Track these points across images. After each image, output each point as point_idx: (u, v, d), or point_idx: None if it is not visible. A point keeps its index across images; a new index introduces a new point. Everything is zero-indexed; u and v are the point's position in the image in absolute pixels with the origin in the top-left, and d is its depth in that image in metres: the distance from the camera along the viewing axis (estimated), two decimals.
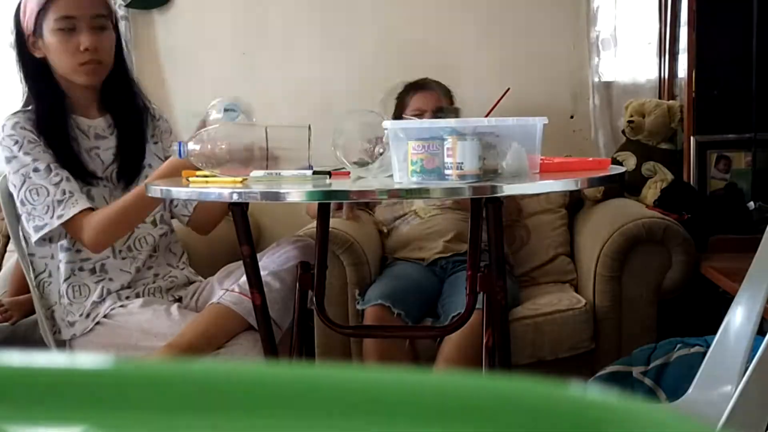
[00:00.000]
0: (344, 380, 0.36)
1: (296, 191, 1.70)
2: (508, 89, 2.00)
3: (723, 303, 1.82)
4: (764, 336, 1.52)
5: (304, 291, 2.12)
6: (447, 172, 1.61)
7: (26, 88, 2.17)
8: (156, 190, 1.81)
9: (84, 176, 2.12)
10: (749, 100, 3.13)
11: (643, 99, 3.37)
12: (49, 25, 2.08)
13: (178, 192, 1.80)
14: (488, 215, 1.81)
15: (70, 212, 2.00)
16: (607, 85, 3.54)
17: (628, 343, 2.70)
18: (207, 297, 2.23)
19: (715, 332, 1.77)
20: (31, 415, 0.36)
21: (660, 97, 3.46)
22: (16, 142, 2.05)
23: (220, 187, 1.78)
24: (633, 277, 2.78)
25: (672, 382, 2.11)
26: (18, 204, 2.06)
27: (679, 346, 2.21)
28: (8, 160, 2.06)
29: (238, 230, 1.89)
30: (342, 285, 2.84)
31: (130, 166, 2.18)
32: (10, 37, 2.20)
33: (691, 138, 3.23)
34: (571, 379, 0.35)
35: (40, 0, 2.08)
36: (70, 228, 2.04)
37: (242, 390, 0.36)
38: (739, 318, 1.69)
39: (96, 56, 2.11)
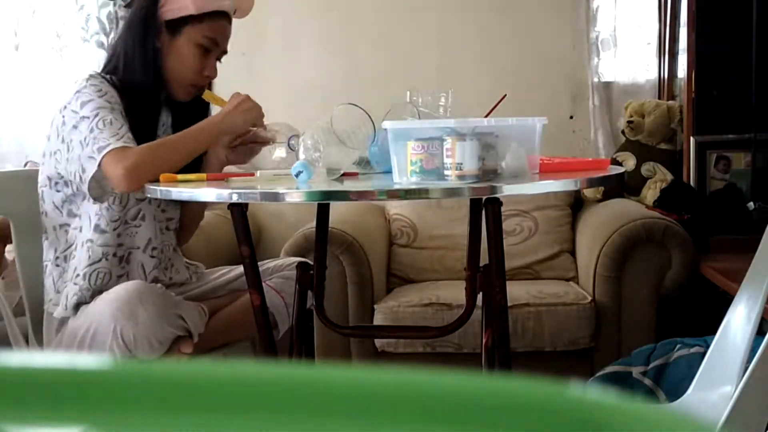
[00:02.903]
0: (344, 381, 0.36)
1: (295, 192, 1.70)
2: (505, 95, 2.00)
3: (723, 303, 1.81)
4: (764, 336, 1.52)
5: (304, 291, 2.12)
6: (446, 172, 1.61)
7: (118, 55, 2.09)
8: (155, 191, 1.81)
9: None
10: (749, 100, 3.13)
11: (642, 99, 3.37)
12: (193, 35, 2.05)
13: (179, 193, 1.80)
14: (487, 215, 1.81)
15: (129, 143, 1.92)
16: (607, 86, 3.54)
17: (627, 343, 2.71)
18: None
19: (714, 332, 1.77)
20: (30, 415, 0.36)
21: (659, 98, 3.46)
22: (99, 90, 1.99)
23: (221, 188, 1.78)
24: (633, 278, 2.78)
25: (672, 382, 2.11)
26: (87, 132, 1.93)
27: (678, 346, 2.21)
28: (84, 103, 1.97)
29: (238, 231, 1.89)
30: (342, 285, 2.85)
31: None
32: (134, 5, 2.12)
33: (691, 138, 3.23)
34: (571, 378, 0.35)
35: (200, 6, 2.04)
36: (114, 157, 1.91)
37: (242, 390, 0.36)
38: (738, 318, 1.69)
39: (206, 83, 2.12)
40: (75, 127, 1.96)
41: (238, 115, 2.02)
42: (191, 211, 2.24)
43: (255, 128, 2.07)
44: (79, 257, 2.08)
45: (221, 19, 2.09)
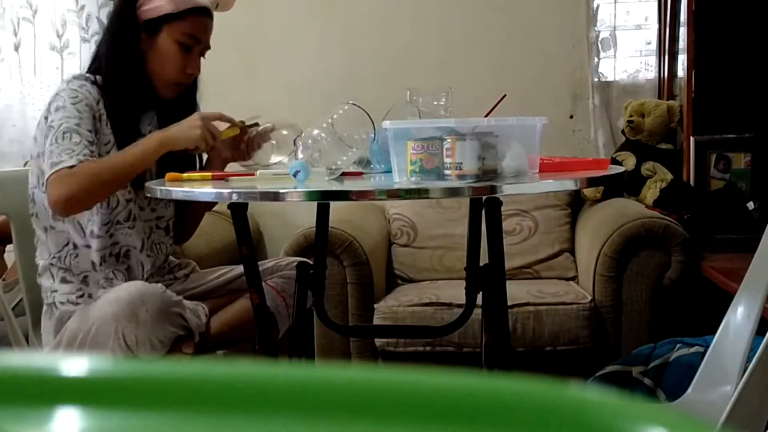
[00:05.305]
0: (344, 380, 0.36)
1: (295, 192, 1.70)
2: (504, 96, 2.00)
3: (723, 303, 1.81)
4: (764, 336, 1.52)
5: (304, 291, 2.12)
6: (446, 172, 1.61)
7: (100, 57, 2.10)
8: (156, 191, 1.81)
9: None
10: (749, 100, 3.13)
11: (642, 99, 3.37)
12: (173, 33, 2.05)
13: (180, 192, 1.79)
14: (487, 215, 1.81)
15: (83, 159, 1.92)
16: (607, 85, 3.54)
17: (627, 343, 2.71)
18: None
19: (714, 332, 1.77)
20: (30, 414, 0.36)
21: (659, 97, 3.46)
22: (75, 98, 1.99)
23: (221, 188, 1.78)
24: (632, 277, 2.78)
25: (671, 382, 2.10)
26: (47, 145, 1.95)
27: (678, 346, 2.21)
28: (57, 108, 1.98)
29: (238, 231, 1.89)
30: (341, 285, 2.85)
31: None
32: (112, 7, 2.13)
33: (691, 138, 3.23)
34: (571, 378, 0.35)
35: (178, 4, 2.04)
36: (59, 176, 1.92)
37: (242, 390, 0.36)
38: (738, 318, 1.69)
39: (190, 81, 2.12)
40: (46, 136, 1.98)
41: (184, 131, 1.97)
42: (193, 210, 2.24)
43: (254, 126, 2.08)
44: (79, 261, 2.08)
45: (200, 15, 2.08)
